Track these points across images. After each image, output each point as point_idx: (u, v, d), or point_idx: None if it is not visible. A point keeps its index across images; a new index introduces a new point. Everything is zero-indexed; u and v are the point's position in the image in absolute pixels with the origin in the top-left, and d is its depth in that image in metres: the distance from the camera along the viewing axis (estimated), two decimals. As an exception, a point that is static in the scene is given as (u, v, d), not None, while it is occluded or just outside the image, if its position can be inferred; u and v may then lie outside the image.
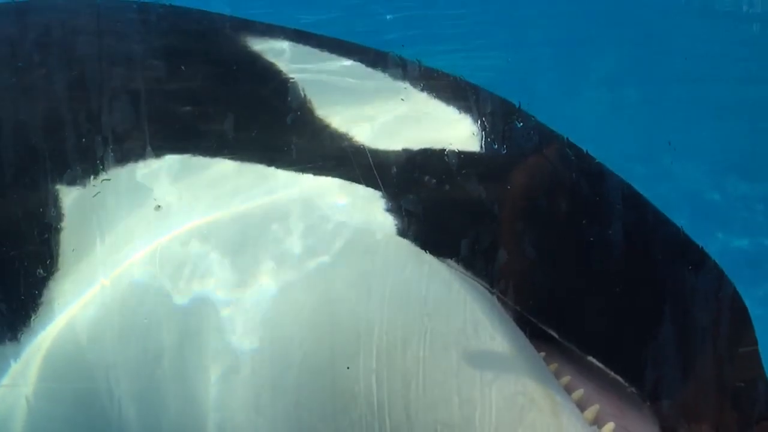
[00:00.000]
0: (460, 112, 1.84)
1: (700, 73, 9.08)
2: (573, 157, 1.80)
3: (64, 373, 1.73)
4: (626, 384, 1.61)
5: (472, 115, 1.82)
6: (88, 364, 1.71)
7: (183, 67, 1.96)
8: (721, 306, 1.73)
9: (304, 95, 1.86)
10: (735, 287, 1.73)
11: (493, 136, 1.78)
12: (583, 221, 1.72)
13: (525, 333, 1.62)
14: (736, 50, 9.05)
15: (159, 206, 1.76)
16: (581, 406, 1.59)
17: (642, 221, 1.79)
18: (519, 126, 1.82)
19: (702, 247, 1.74)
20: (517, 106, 1.83)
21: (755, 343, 1.71)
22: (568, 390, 1.61)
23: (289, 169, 1.75)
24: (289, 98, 1.86)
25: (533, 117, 1.83)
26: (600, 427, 1.58)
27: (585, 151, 1.80)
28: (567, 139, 1.79)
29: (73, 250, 1.76)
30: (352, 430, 1.57)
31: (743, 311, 1.73)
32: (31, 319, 1.74)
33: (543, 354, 1.62)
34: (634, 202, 1.80)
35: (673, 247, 1.77)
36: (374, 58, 1.98)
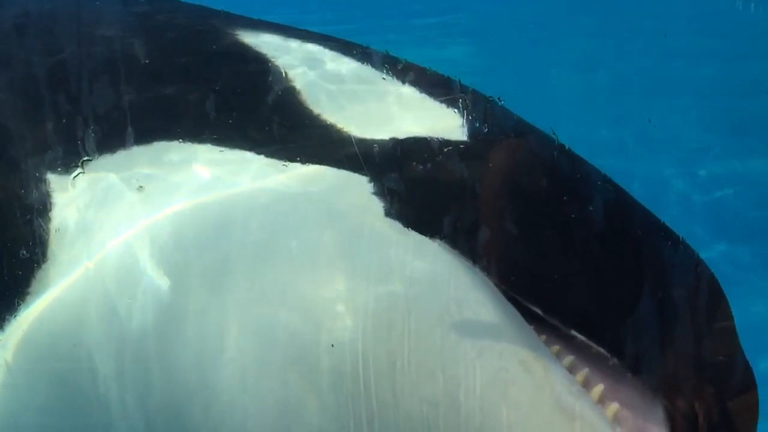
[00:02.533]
0: (439, 102, 1.88)
1: (680, 49, 9.10)
2: (550, 142, 1.85)
3: (45, 354, 1.74)
4: (609, 355, 1.65)
5: (452, 104, 1.86)
6: (71, 345, 1.71)
7: (170, 55, 1.98)
8: (693, 281, 1.78)
9: (290, 85, 1.88)
10: (706, 264, 1.78)
11: (473, 123, 1.82)
12: (564, 202, 1.76)
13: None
14: (718, 26, 9.07)
15: (141, 186, 1.76)
16: (571, 371, 1.64)
17: (618, 204, 1.83)
18: (496, 113, 1.87)
19: (674, 231, 1.79)
20: (491, 96, 1.88)
21: (731, 317, 1.76)
22: (559, 358, 1.65)
23: (275, 156, 1.76)
24: (274, 88, 1.88)
25: (505, 107, 1.90)
26: (589, 390, 1.63)
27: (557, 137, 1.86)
28: (553, 132, 1.84)
29: (57, 230, 1.76)
30: (338, 409, 1.59)
31: (716, 287, 1.78)
32: (14, 301, 1.74)
33: (532, 327, 1.66)
34: (608, 185, 1.85)
35: (647, 228, 1.81)
36: (357, 51, 2.02)
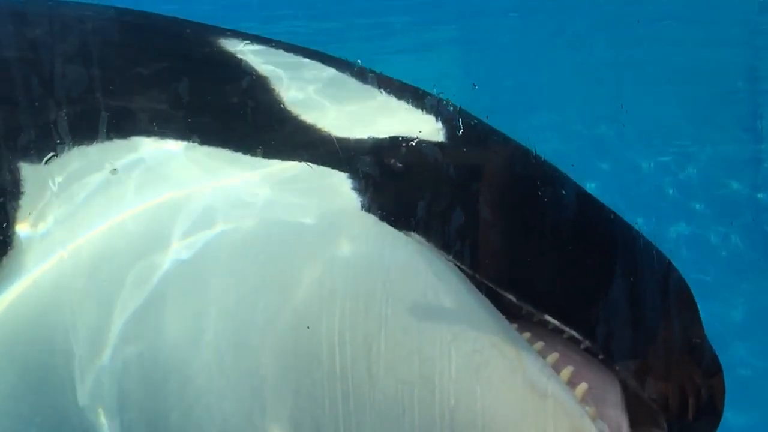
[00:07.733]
0: (411, 106, 1.95)
1: (655, 36, 9.17)
2: (513, 143, 1.92)
3: (18, 340, 1.73)
4: (581, 338, 1.72)
5: (422, 108, 1.93)
6: (44, 330, 1.71)
7: (150, 54, 2.01)
8: (659, 272, 1.85)
9: (268, 86, 1.93)
10: (668, 257, 1.86)
11: (441, 126, 1.89)
12: (533, 194, 1.82)
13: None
14: (693, 13, 9.14)
15: (115, 169, 1.77)
16: (542, 354, 1.71)
17: (583, 199, 1.90)
18: (461, 117, 1.93)
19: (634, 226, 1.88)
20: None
21: (695, 305, 1.82)
22: (530, 343, 1.72)
23: (257, 154, 1.80)
24: (252, 88, 1.93)
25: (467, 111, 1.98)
26: (559, 372, 1.70)
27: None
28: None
29: (30, 215, 1.75)
30: (313, 389, 1.63)
31: (680, 277, 1.86)
32: None
33: (505, 316, 1.72)
34: (570, 181, 1.91)
35: (612, 221, 1.88)
36: (333, 60, 2.09)
